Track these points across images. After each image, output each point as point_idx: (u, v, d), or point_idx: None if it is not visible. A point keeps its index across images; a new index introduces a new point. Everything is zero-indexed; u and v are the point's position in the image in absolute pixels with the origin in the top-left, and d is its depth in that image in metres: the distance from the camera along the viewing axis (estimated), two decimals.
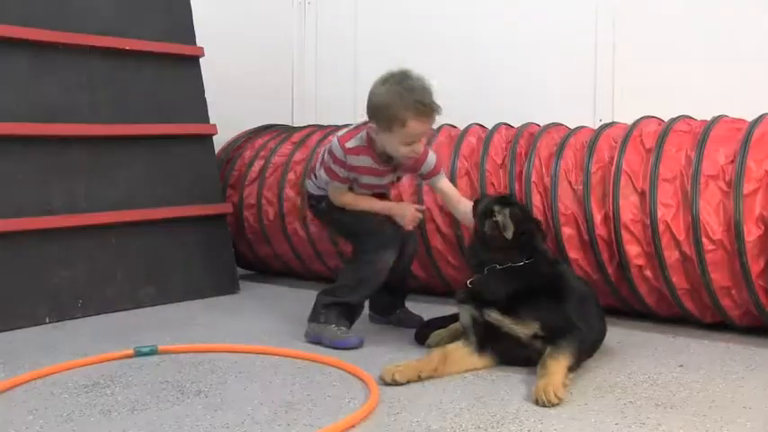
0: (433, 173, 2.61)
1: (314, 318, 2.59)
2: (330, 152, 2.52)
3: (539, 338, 2.20)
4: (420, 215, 2.62)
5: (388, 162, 2.54)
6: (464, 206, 2.58)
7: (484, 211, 2.41)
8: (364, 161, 2.49)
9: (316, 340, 2.56)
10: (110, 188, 3.16)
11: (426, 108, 2.35)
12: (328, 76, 4.56)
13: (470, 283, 2.35)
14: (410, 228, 2.59)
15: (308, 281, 3.65)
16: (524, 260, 2.31)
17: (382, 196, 2.67)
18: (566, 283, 2.33)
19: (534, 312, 2.22)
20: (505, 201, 2.41)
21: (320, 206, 2.67)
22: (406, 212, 2.58)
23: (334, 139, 2.52)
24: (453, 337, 2.48)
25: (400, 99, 2.33)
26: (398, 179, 2.76)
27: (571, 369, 2.12)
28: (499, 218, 2.33)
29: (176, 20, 3.48)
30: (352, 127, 2.55)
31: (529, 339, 2.22)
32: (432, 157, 2.60)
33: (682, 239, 2.57)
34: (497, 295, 2.27)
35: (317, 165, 2.66)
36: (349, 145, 2.48)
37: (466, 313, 2.33)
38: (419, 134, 2.41)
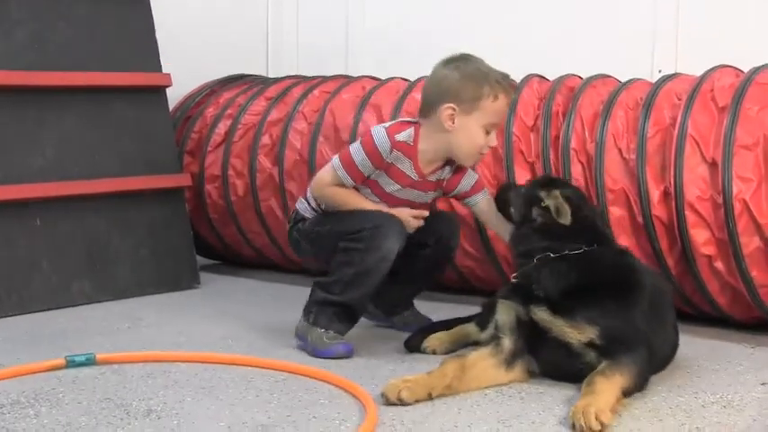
0: (476, 189, 2.69)
1: (305, 313, 2.63)
2: (367, 142, 2.55)
3: (594, 348, 2.20)
4: (420, 221, 2.62)
5: (431, 173, 2.60)
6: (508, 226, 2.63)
7: (526, 202, 2.42)
8: (404, 165, 2.56)
9: (302, 341, 2.60)
10: (34, 154, 3.14)
11: (512, 86, 2.55)
12: (314, 10, 4.50)
13: (515, 278, 2.36)
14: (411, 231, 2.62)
15: (286, 272, 3.64)
16: (584, 247, 2.32)
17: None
18: (637, 279, 2.33)
19: (594, 314, 2.21)
20: (548, 181, 2.43)
21: (301, 226, 2.69)
22: (407, 221, 2.60)
23: (375, 129, 2.59)
24: (456, 342, 2.58)
25: (485, 74, 2.50)
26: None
27: (628, 393, 2.11)
28: (550, 203, 2.35)
29: None
30: (397, 120, 2.60)
31: (581, 347, 2.22)
32: (472, 172, 2.71)
33: (764, 223, 2.55)
34: (549, 290, 2.28)
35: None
36: (399, 138, 2.53)
37: (508, 311, 2.33)
38: (503, 115, 2.62)
